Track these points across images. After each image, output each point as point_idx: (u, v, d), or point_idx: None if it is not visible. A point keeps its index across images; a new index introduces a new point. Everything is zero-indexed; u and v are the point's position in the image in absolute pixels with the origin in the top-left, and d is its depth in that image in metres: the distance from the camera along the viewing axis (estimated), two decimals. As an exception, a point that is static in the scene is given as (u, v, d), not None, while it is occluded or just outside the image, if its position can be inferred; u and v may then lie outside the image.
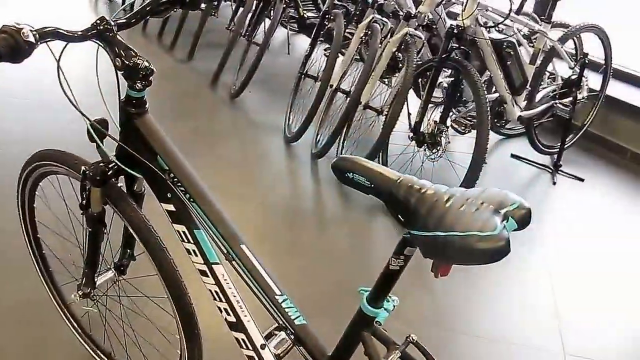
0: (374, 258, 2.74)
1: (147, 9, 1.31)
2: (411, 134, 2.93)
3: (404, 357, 1.14)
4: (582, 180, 3.50)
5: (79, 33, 1.18)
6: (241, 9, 4.34)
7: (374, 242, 2.89)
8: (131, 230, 1.46)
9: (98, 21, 1.21)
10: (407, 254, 1.04)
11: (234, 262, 1.29)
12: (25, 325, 2.04)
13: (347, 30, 3.57)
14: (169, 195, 1.33)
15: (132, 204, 1.45)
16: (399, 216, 0.98)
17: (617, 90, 3.88)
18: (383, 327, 1.17)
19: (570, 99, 3.43)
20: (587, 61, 3.34)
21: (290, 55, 5.07)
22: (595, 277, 2.68)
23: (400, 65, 3.28)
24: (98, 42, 1.22)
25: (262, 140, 3.64)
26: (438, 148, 2.88)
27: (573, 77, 3.44)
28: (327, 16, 3.47)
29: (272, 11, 4.05)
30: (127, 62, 1.21)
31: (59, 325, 1.96)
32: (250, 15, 4.15)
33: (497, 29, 3.09)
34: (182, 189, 1.30)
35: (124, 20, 1.25)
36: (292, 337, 1.28)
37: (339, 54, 3.34)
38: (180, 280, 1.46)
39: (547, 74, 3.51)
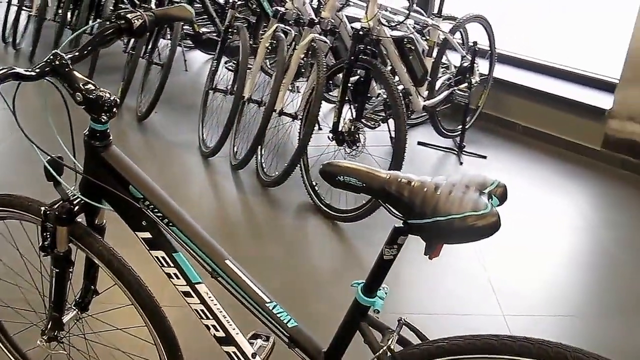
0: (314, 258, 2.84)
1: (97, 40, 1.32)
2: (331, 135, 3.04)
3: (400, 339, 1.24)
4: (484, 157, 3.80)
5: (36, 71, 1.19)
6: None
7: (310, 243, 2.99)
8: (101, 264, 1.46)
9: (52, 57, 1.22)
10: (400, 243, 1.14)
11: (219, 279, 1.33)
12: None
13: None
14: (143, 223, 1.35)
15: (98, 238, 1.46)
16: (395, 209, 1.08)
17: (503, 72, 4.23)
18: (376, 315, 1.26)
19: (466, 84, 3.69)
20: (477, 49, 3.61)
21: (189, 72, 5.06)
22: (515, 247, 2.93)
23: (303, 70, 3.40)
24: (54, 79, 1.23)
25: (179, 158, 3.64)
26: (357, 144, 3.02)
27: (465, 64, 3.71)
28: (230, 30, 3.52)
29: (168, 30, 4.04)
30: (89, 96, 1.23)
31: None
32: (147, 35, 4.11)
33: (391, 26, 3.27)
34: (160, 214, 1.32)
35: (77, 54, 1.26)
36: (287, 340, 1.34)
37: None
38: (159, 305, 1.48)
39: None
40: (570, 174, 3.73)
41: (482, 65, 3.96)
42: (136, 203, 1.33)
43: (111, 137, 1.35)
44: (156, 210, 1.32)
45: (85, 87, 1.23)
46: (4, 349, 1.90)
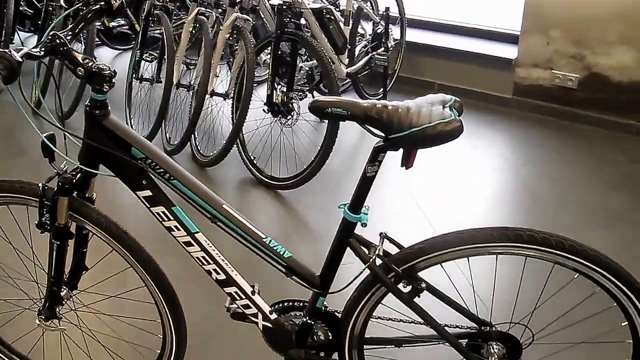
0: (263, 226, 2.95)
1: (83, 20, 1.41)
2: (266, 107, 3.17)
3: (384, 252, 1.42)
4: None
5: (43, 51, 1.28)
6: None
7: (257, 213, 3.12)
8: (100, 232, 1.55)
9: (50, 37, 1.30)
10: (380, 160, 1.32)
11: (219, 223, 1.46)
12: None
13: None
14: (143, 182, 1.45)
15: (95, 208, 1.55)
16: (377, 129, 1.26)
17: (414, 35, 4.48)
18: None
19: (383, 49, 3.92)
20: (389, 14, 3.84)
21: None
22: (446, 191, 3.21)
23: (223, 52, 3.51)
24: (56, 57, 1.32)
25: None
26: (292, 113, 3.16)
27: (379, 30, 3.93)
28: (150, 19, 3.56)
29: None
30: (91, 69, 1.32)
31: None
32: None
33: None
34: (161, 170, 1.43)
35: (70, 34, 1.35)
36: (285, 269, 1.49)
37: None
38: (157, 264, 1.59)
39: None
40: (488, 123, 4.04)
41: (394, 31, 4.19)
42: (139, 162, 1.43)
43: (109, 107, 1.44)
44: (157, 167, 1.43)
45: (84, 62, 1.32)
46: None
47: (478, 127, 3.96)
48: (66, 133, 1.43)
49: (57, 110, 1.53)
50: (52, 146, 1.42)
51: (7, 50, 1.18)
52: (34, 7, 4.37)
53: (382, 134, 1.28)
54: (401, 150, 1.30)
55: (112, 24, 4.54)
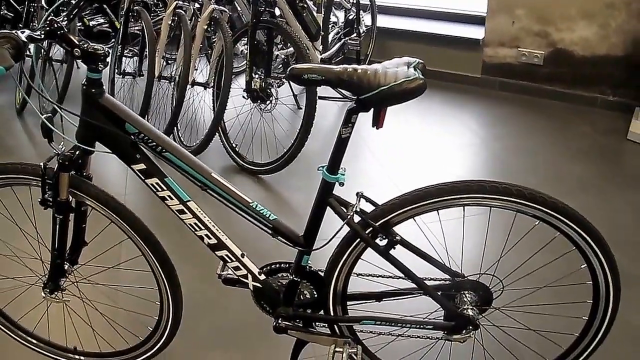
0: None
1: (75, 7, 1.53)
2: (245, 93, 3.30)
3: (361, 210, 1.55)
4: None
5: (42, 35, 1.40)
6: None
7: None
8: (99, 206, 1.67)
9: (48, 22, 1.42)
10: (353, 122, 1.45)
11: (209, 190, 1.59)
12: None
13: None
14: (137, 156, 1.57)
15: (93, 184, 1.67)
16: (349, 91, 1.40)
17: (384, 21, 4.63)
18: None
19: (355, 35, 4.06)
20: (360, 2, 3.98)
21: (81, 68, 5.11)
22: (421, 166, 3.34)
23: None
24: (54, 40, 1.43)
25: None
26: (271, 98, 3.29)
27: (351, 17, 4.07)
28: (130, 14, 3.66)
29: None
30: (86, 50, 1.44)
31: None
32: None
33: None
34: (154, 144, 1.55)
35: (65, 19, 1.47)
36: (271, 231, 1.61)
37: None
38: (152, 233, 1.71)
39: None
40: (459, 101, 4.20)
41: (365, 18, 4.33)
42: (133, 137, 1.55)
43: (104, 86, 1.56)
44: (150, 140, 1.55)
45: (80, 43, 1.44)
46: None
47: (449, 106, 4.12)
48: (64, 111, 1.55)
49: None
50: (50, 126, 1.54)
51: (14, 31, 1.29)
52: (15, 11, 4.42)
53: (354, 96, 1.41)
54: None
55: (92, 22, 4.61)
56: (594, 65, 3.96)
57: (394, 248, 1.57)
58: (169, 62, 4.09)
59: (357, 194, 1.58)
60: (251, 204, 1.60)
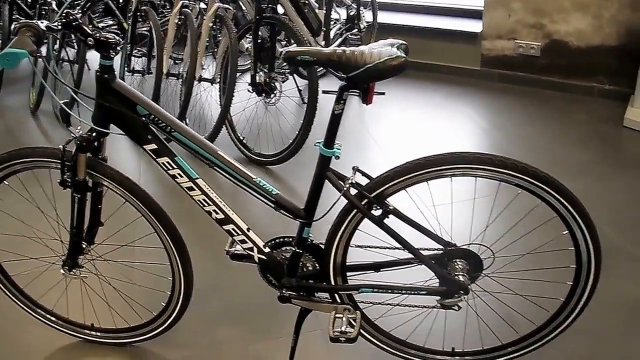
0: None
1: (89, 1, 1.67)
2: (250, 87, 3.43)
3: (357, 183, 1.67)
4: (383, 93, 4.24)
5: (60, 26, 1.53)
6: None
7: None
8: (114, 186, 1.80)
9: (64, 14, 1.55)
10: (344, 99, 1.58)
11: (216, 168, 1.71)
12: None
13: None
14: (149, 137, 1.70)
15: (108, 165, 1.80)
16: (339, 70, 1.52)
17: (385, 17, 4.77)
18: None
19: (356, 30, 4.19)
20: (361, -2, 4.12)
21: (91, 70, 5.25)
22: (416, 148, 3.44)
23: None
24: (70, 30, 1.57)
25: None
26: (275, 92, 3.42)
27: (352, 13, 4.20)
28: (137, 15, 3.80)
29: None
30: (99, 39, 1.57)
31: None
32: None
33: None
34: (163, 124, 1.68)
35: (80, 11, 1.60)
36: (273, 205, 1.74)
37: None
38: (165, 211, 1.84)
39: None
40: (459, 94, 4.31)
41: (366, 14, 4.45)
42: (145, 118, 1.68)
43: (116, 72, 1.68)
44: (160, 121, 1.68)
45: (94, 32, 1.57)
46: (20, 304, 2.17)
47: (450, 99, 4.24)
48: (80, 94, 1.68)
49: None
50: (69, 110, 1.67)
51: (34, 21, 1.43)
52: (26, 14, 4.57)
53: (344, 75, 1.53)
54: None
55: (101, 24, 4.75)
56: (589, 55, 4.06)
57: (388, 217, 1.68)
58: (177, 61, 4.25)
59: (353, 167, 1.70)
60: (255, 179, 1.72)
